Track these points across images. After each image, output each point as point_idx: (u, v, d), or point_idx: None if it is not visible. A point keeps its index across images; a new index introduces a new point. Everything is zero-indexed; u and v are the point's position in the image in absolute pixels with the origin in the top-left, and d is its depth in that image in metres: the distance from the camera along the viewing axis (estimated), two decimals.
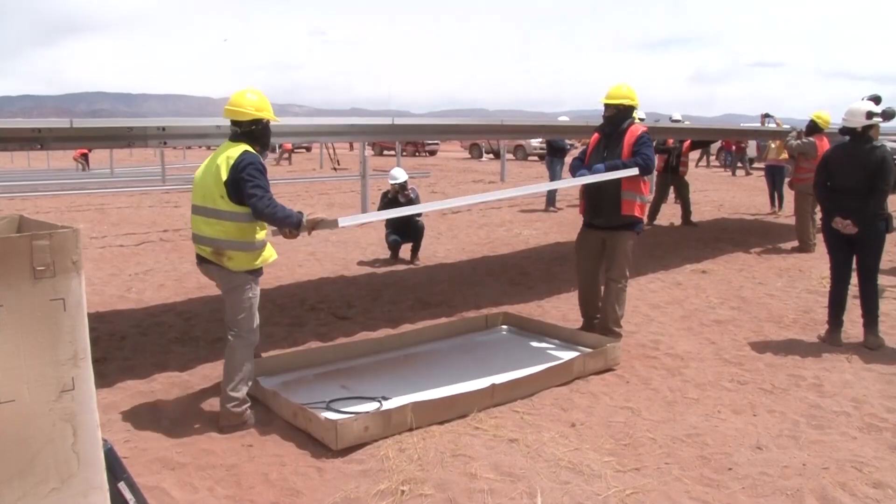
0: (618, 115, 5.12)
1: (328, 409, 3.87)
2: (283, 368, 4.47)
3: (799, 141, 9.19)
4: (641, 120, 7.67)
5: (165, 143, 5.25)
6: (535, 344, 5.15)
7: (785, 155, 11.30)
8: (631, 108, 5.16)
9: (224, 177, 3.67)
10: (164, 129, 4.87)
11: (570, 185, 5.49)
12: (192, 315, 5.93)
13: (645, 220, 5.56)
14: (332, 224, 3.82)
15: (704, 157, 26.54)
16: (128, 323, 5.71)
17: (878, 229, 5.00)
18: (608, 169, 4.94)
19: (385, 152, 33.41)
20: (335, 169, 24.18)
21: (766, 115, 14.36)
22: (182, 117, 8.81)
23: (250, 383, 3.88)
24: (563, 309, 6.19)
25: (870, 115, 5.02)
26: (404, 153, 31.72)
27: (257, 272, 3.88)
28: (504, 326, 5.56)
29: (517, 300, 6.45)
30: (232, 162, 3.68)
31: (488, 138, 27.07)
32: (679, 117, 13.43)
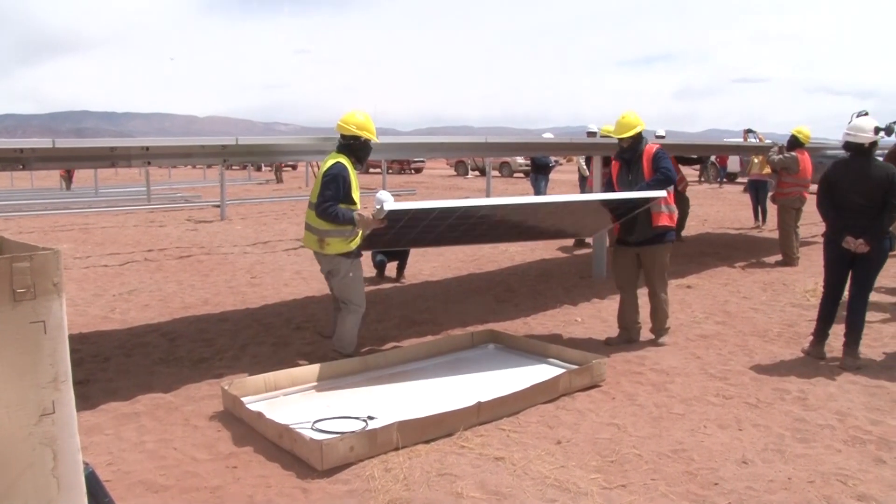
0: (633, 143, 5.55)
1: (313, 429, 3.84)
2: (269, 388, 4.44)
3: (781, 156, 9.32)
4: None
5: (150, 163, 5.24)
6: (521, 361, 5.15)
7: (768, 170, 11.44)
8: (642, 133, 5.58)
9: (320, 180, 4.74)
10: (147, 148, 4.86)
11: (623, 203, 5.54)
12: (177, 335, 5.89)
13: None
14: (380, 213, 4.62)
15: (703, 173, 26.61)
16: (112, 344, 5.66)
17: (883, 247, 4.90)
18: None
19: (371, 170, 33.43)
20: None
21: (749, 131, 14.52)
22: (166, 136, 8.82)
23: (354, 343, 5.00)
24: (549, 326, 6.21)
25: (877, 130, 4.91)
26: (390, 171, 31.77)
27: (353, 254, 4.86)
28: (490, 344, 5.56)
29: (503, 317, 6.46)
30: (324, 170, 4.74)
31: (474, 155, 27.19)
32: (663, 133, 13.54)
